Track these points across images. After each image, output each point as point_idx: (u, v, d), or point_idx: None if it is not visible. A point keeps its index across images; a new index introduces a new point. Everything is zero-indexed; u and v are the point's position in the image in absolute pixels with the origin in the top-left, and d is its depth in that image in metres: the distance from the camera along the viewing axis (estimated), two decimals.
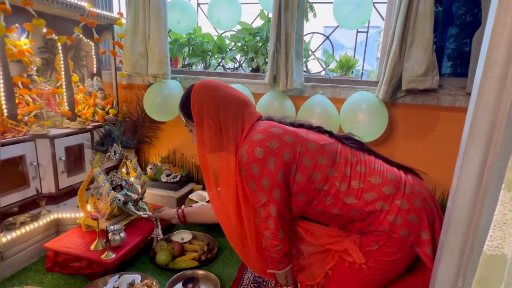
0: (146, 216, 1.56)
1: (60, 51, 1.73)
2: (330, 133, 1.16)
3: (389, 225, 1.00)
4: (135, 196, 1.60)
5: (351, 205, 1.03)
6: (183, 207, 1.57)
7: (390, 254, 1.02)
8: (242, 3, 2.05)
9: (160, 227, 1.55)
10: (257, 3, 1.97)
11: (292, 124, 1.16)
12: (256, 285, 1.38)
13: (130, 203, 1.57)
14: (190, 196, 1.92)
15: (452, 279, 0.65)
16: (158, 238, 1.54)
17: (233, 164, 1.09)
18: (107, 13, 1.91)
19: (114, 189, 1.57)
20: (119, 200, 1.53)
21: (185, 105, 1.12)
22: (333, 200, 1.04)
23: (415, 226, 1.00)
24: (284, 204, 1.05)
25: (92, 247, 1.37)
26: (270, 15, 1.77)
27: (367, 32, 2.02)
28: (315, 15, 1.94)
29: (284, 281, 1.16)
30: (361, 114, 1.63)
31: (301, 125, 1.16)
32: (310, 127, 1.16)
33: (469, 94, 1.63)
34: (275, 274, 1.16)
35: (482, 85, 0.58)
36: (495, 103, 0.57)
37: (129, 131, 2.12)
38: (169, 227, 1.78)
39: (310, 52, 2.10)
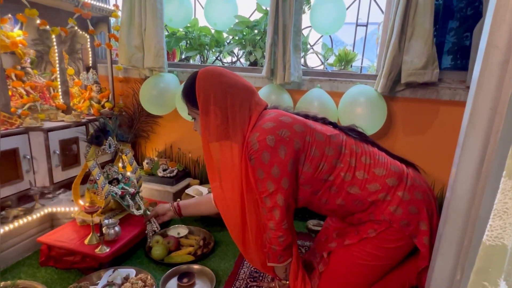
0: (137, 214, 1.51)
1: (55, 43, 1.70)
2: (334, 125, 1.16)
3: (390, 214, 1.03)
4: (132, 190, 1.59)
5: (355, 195, 1.05)
6: (178, 200, 1.55)
7: (388, 242, 1.05)
8: None
9: (154, 222, 1.51)
10: None
11: (298, 114, 1.15)
12: (252, 279, 1.36)
13: (127, 196, 1.55)
14: (187, 191, 1.90)
15: (450, 272, 0.63)
16: (157, 231, 1.51)
17: (237, 153, 1.08)
18: (102, 4, 1.88)
19: (110, 182, 1.55)
20: (116, 193, 1.51)
21: (189, 93, 1.09)
22: (338, 190, 1.05)
23: (415, 216, 1.03)
24: (291, 193, 1.05)
25: (86, 241, 1.35)
26: (268, 8, 1.74)
27: (366, 25, 1.99)
28: (310, 8, 1.91)
29: (283, 274, 1.15)
30: (360, 108, 1.61)
31: (306, 116, 1.16)
32: (315, 118, 1.16)
33: (469, 88, 1.61)
34: (275, 267, 1.15)
35: (482, 71, 0.56)
36: (496, 89, 0.55)
37: (125, 125, 2.10)
38: (165, 222, 1.77)
39: (308, 46, 2.07)
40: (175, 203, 1.51)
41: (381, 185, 1.04)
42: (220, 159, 1.14)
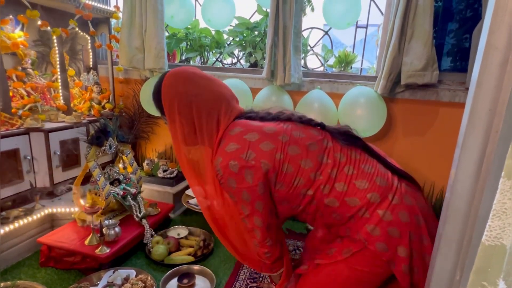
0: (137, 219, 1.52)
1: (55, 45, 1.71)
2: (322, 126, 1.05)
3: (366, 234, 0.92)
4: (133, 190, 1.59)
5: (332, 208, 0.95)
6: None
7: (363, 265, 0.94)
8: None
9: (149, 229, 1.52)
10: None
11: (278, 118, 1.05)
12: (252, 280, 1.36)
13: (129, 196, 1.55)
14: (187, 192, 1.91)
15: (449, 272, 0.63)
16: (151, 238, 1.52)
17: (210, 157, 1.03)
18: (103, 6, 1.89)
19: (112, 183, 1.55)
20: (118, 194, 1.51)
21: (157, 98, 1.04)
22: (316, 203, 0.97)
23: (394, 240, 0.91)
24: (269, 213, 1.00)
25: (86, 242, 1.35)
26: (268, 9, 1.75)
27: (366, 27, 1.99)
28: (312, 9, 1.92)
29: (279, 281, 1.14)
30: (360, 109, 1.61)
31: (288, 119, 1.05)
32: (300, 121, 1.05)
33: (468, 89, 1.61)
34: (270, 275, 1.15)
35: (482, 71, 0.56)
36: (495, 90, 0.55)
37: (126, 126, 2.10)
38: (165, 222, 1.77)
39: (308, 48, 2.08)
40: None
41: (361, 199, 0.92)
42: (200, 161, 1.10)
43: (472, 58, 1.59)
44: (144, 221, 1.53)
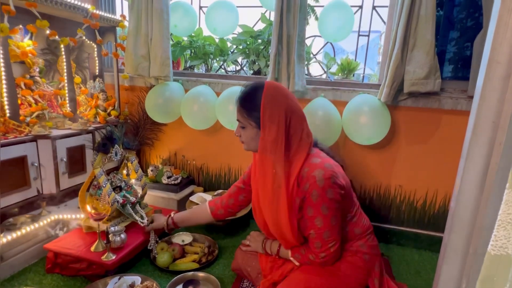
0: (142, 224, 1.52)
1: (63, 53, 1.74)
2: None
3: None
4: (133, 199, 1.58)
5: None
6: (172, 213, 1.54)
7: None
8: (243, 7, 2.06)
9: (154, 235, 1.53)
10: (260, 6, 1.98)
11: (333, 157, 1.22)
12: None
13: (128, 205, 1.56)
14: (191, 198, 1.92)
15: (455, 281, 0.64)
16: (156, 245, 1.53)
17: (277, 172, 1.12)
18: (110, 15, 1.92)
19: (113, 190, 1.56)
20: (118, 201, 1.52)
21: (250, 102, 1.11)
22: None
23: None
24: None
25: (92, 248, 1.36)
26: (272, 17, 1.78)
27: (368, 35, 2.02)
28: (316, 18, 1.95)
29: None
30: (364, 117, 1.62)
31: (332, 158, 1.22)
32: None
33: (470, 97, 1.63)
34: (284, 253, 1.25)
35: (485, 85, 0.58)
36: (498, 103, 0.57)
37: (131, 133, 2.12)
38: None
39: (311, 56, 2.11)
40: (169, 218, 1.52)
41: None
42: (259, 168, 1.18)
43: (474, 67, 1.61)
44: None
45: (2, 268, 1.33)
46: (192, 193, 2.05)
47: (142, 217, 1.57)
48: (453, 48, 1.83)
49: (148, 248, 1.51)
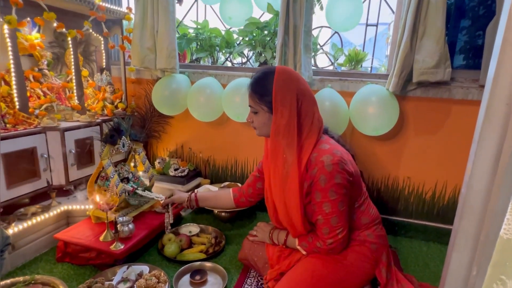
0: (160, 199, 1.48)
1: (70, 46, 1.75)
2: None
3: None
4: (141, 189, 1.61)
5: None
6: (196, 191, 1.53)
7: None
8: None
9: (171, 213, 1.49)
10: None
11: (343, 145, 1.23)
12: (262, 277, 1.37)
13: (139, 189, 1.57)
14: (198, 190, 1.92)
15: (466, 268, 0.63)
16: (169, 224, 1.48)
17: (288, 158, 1.13)
18: (116, 7, 1.92)
19: (121, 181, 1.58)
20: (127, 191, 1.53)
21: (262, 87, 1.12)
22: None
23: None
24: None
25: (101, 238, 1.38)
26: (278, 8, 1.75)
27: (376, 25, 1.98)
28: (321, 8, 1.92)
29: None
30: (371, 108, 1.60)
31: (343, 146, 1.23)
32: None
33: (482, 86, 1.59)
34: (291, 243, 1.25)
35: (498, 67, 0.56)
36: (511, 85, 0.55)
37: (138, 125, 2.14)
38: (177, 220, 1.79)
39: (318, 47, 2.08)
40: (192, 194, 1.49)
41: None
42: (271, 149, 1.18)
43: (486, 55, 1.56)
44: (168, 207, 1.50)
45: (14, 256, 1.36)
46: (199, 185, 2.06)
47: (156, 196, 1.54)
48: (464, 37, 1.78)
49: (166, 223, 1.47)
